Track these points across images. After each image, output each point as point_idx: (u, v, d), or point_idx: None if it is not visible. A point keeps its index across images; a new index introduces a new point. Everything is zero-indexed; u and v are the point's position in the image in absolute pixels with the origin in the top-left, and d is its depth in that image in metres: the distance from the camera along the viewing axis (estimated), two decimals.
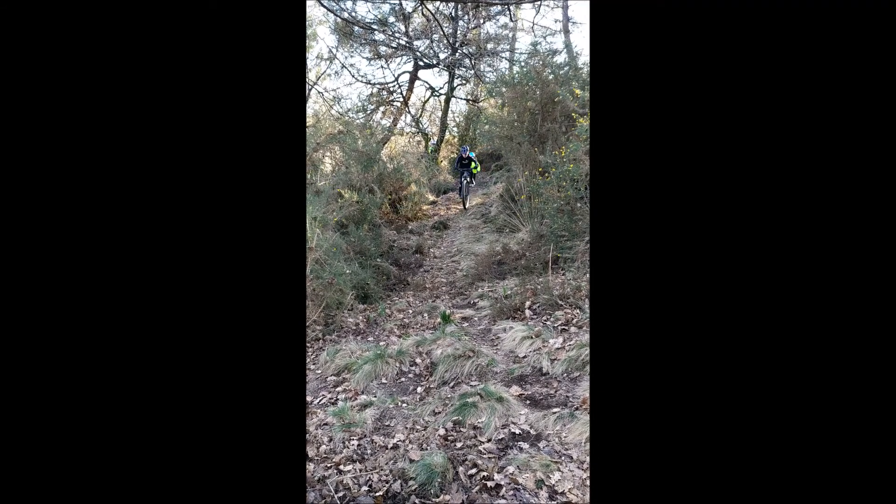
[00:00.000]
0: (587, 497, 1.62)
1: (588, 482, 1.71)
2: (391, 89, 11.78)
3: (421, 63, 11.45)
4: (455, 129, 12.95)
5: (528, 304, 3.50)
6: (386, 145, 9.70)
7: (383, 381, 2.85)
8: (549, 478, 1.70)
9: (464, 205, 8.80)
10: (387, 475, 1.78)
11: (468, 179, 8.62)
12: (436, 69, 11.73)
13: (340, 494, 1.67)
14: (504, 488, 1.66)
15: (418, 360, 2.98)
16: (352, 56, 11.74)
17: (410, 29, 10.76)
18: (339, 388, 2.86)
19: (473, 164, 8.60)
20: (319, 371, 3.17)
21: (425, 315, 4.09)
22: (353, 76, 13.17)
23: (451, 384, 2.68)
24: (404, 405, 2.49)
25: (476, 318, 3.79)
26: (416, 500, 1.63)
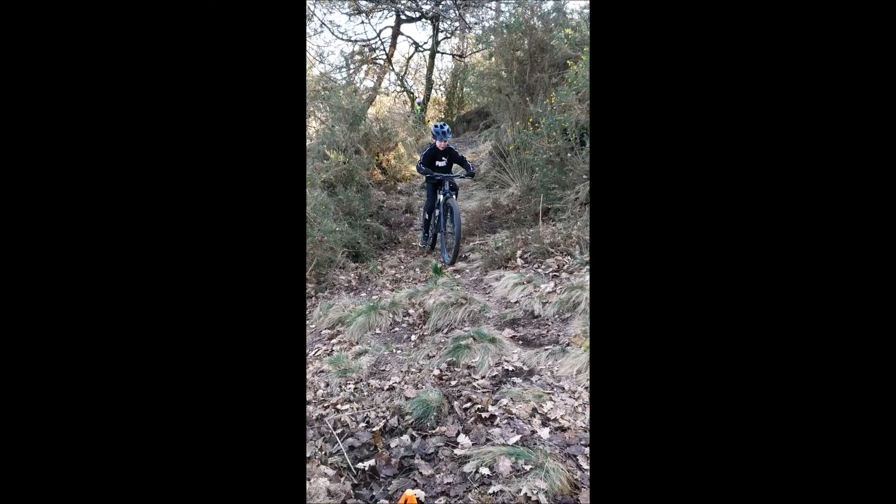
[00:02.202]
0: (578, 422, 1.67)
1: (579, 409, 1.76)
2: (373, 46, 11.32)
3: (403, 17, 10.95)
4: (441, 86, 12.57)
5: (519, 253, 3.51)
6: (371, 105, 9.40)
7: (377, 331, 2.87)
8: (542, 406, 1.75)
9: (451, 257, 3.92)
10: (384, 412, 1.81)
11: (449, 194, 4.08)
12: (419, 23, 11.25)
13: (339, 431, 1.71)
14: (498, 418, 1.70)
15: (411, 311, 3.00)
16: (331, 12, 11.24)
17: None
18: (333, 341, 2.88)
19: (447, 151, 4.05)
20: (313, 325, 3.18)
21: (417, 270, 4.10)
22: (332, 33, 12.63)
23: (445, 330, 2.71)
24: (399, 352, 2.52)
25: (468, 270, 3.80)
26: (413, 433, 1.67)
